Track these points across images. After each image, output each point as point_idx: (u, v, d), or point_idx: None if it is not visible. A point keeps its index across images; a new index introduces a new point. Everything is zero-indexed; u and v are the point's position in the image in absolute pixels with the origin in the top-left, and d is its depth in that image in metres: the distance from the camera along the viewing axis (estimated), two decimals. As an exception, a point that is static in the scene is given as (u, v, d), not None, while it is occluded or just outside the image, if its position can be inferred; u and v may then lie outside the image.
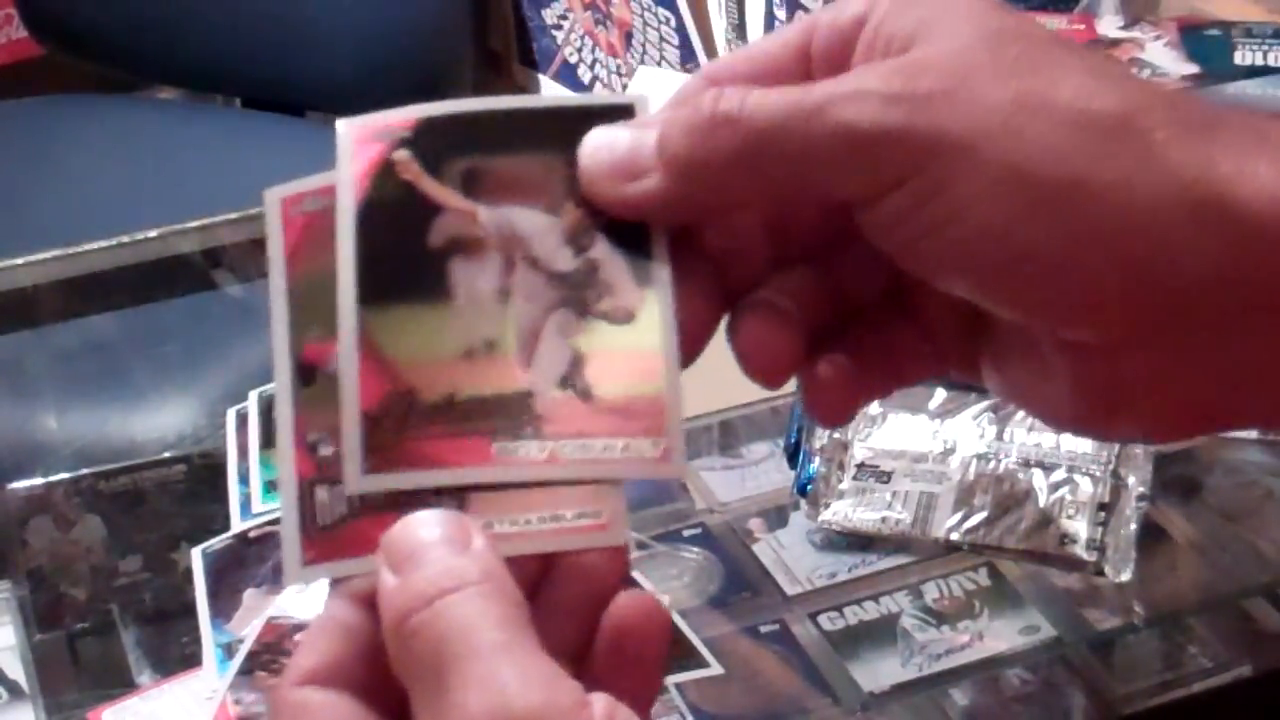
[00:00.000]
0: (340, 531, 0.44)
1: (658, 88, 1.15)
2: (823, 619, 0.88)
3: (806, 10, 1.47)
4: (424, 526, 0.43)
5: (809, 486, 0.92)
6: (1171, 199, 0.42)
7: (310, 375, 0.45)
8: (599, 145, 0.46)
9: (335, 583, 0.44)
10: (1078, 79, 0.43)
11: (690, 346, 0.46)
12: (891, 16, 0.46)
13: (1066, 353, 0.45)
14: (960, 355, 0.50)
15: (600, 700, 0.40)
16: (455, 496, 0.44)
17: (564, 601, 0.45)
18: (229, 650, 0.78)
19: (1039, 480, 0.89)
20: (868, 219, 0.45)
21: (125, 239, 1.09)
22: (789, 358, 0.48)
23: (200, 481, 0.91)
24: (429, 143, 0.47)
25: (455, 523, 0.43)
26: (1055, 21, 0.99)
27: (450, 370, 0.44)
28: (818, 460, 0.92)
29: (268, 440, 0.85)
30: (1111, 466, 0.89)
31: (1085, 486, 0.89)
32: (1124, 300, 0.43)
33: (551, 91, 1.89)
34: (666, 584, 0.88)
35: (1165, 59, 0.94)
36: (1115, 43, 0.97)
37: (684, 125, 0.45)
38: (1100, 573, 0.87)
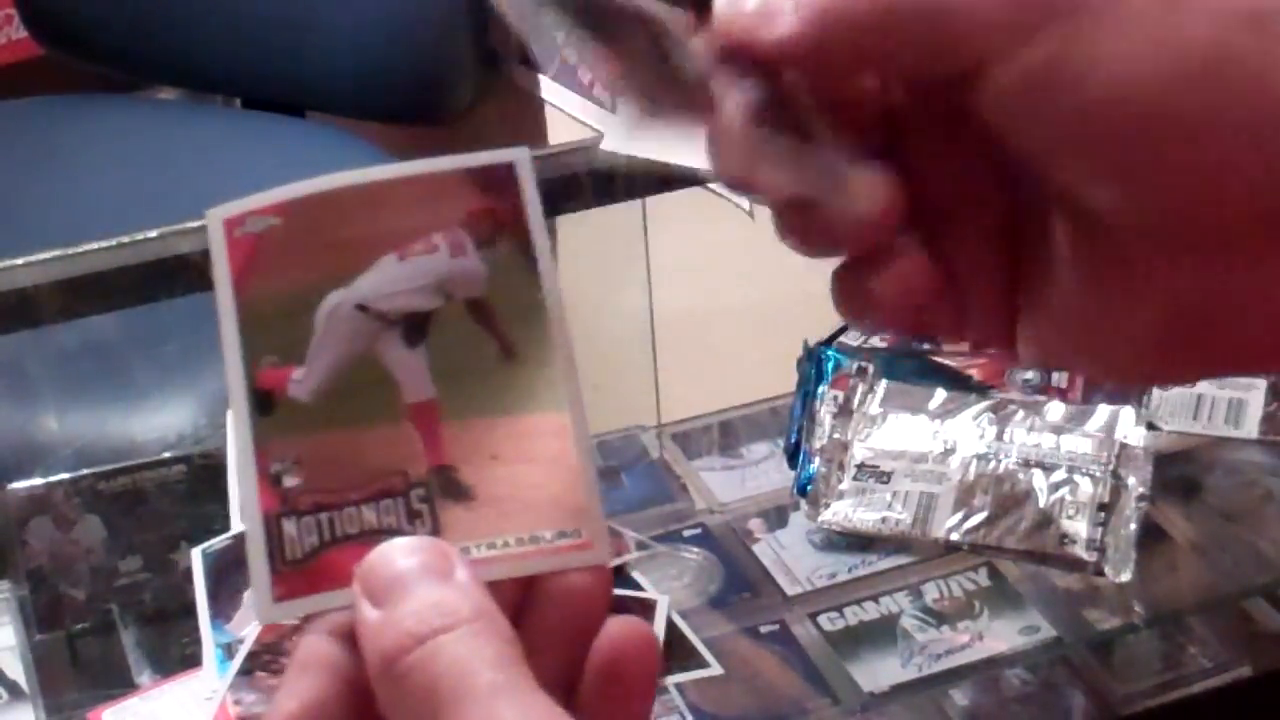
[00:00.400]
0: (311, 565, 0.43)
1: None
2: (823, 619, 0.88)
3: (806, 10, 1.47)
4: (402, 555, 0.42)
5: (809, 487, 0.92)
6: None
7: (268, 403, 0.44)
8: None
9: (309, 618, 0.43)
10: None
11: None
12: None
13: (1166, 263, 0.43)
14: (992, 307, 0.47)
15: None
16: (428, 522, 0.43)
17: (548, 627, 0.43)
18: (229, 650, 0.78)
19: (1039, 480, 0.89)
20: (996, 80, 0.42)
21: (125, 239, 1.09)
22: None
23: (200, 481, 0.91)
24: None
25: (434, 550, 0.42)
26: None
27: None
28: (818, 460, 0.92)
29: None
30: (1111, 467, 0.89)
31: (1085, 487, 0.89)
32: (1250, 198, 0.40)
33: (552, 91, 1.89)
34: (666, 584, 0.88)
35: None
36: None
37: None
38: (1100, 573, 0.87)
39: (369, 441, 0.44)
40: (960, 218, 0.47)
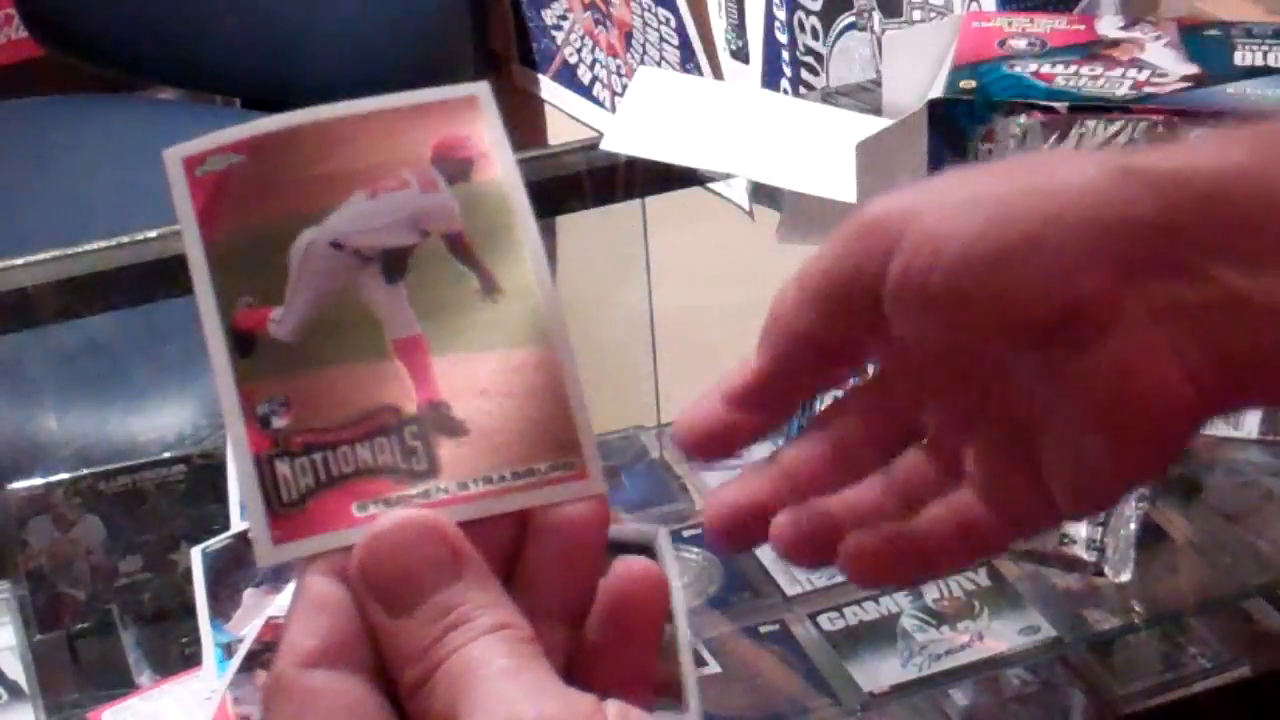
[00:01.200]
0: (308, 506, 0.42)
1: (657, 88, 1.15)
2: (823, 619, 0.88)
3: (806, 11, 1.47)
4: (407, 551, 0.41)
5: (809, 486, 0.92)
6: (1097, 175, 0.48)
7: (249, 344, 0.43)
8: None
9: (314, 560, 0.42)
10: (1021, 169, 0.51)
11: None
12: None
13: (1056, 361, 0.48)
14: (1025, 490, 0.51)
15: (613, 706, 0.40)
16: (424, 459, 0.42)
17: (547, 559, 0.44)
18: (229, 650, 0.78)
19: (1039, 480, 0.89)
20: (887, 293, 0.49)
21: (125, 239, 1.09)
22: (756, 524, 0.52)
23: (200, 481, 0.91)
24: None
25: (439, 540, 0.42)
26: (1055, 22, 0.99)
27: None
28: (818, 460, 0.92)
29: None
30: (1111, 466, 0.89)
31: (1085, 486, 0.89)
32: (1089, 261, 0.47)
33: (552, 92, 1.89)
34: (666, 584, 0.88)
35: (1165, 59, 0.94)
36: (1115, 43, 0.96)
37: None
38: (1100, 573, 0.87)
39: (357, 378, 0.43)
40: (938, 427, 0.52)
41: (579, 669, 0.43)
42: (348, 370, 0.43)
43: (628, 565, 0.44)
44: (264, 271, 0.43)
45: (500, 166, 0.45)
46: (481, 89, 0.46)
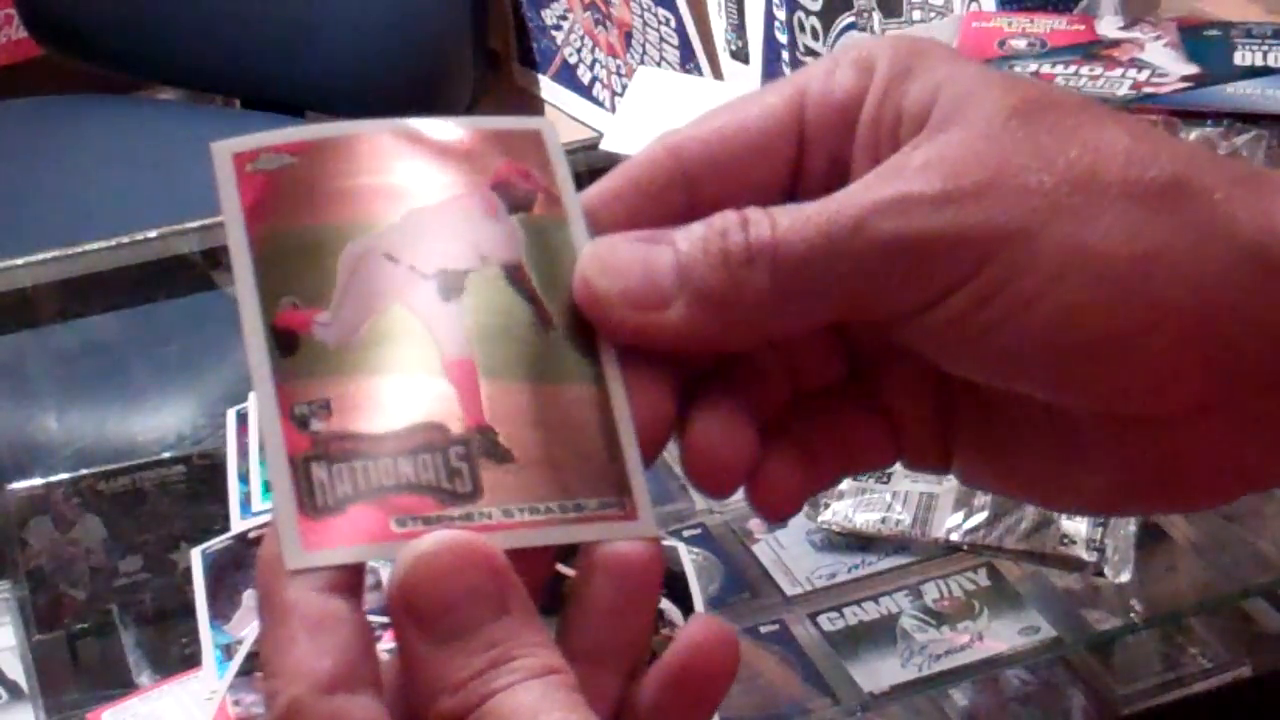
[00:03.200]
0: (345, 513, 0.39)
1: (657, 88, 1.15)
2: (823, 619, 0.88)
3: (806, 11, 1.47)
4: (452, 577, 0.39)
5: (809, 487, 0.92)
6: (1240, 264, 0.41)
7: (292, 343, 0.41)
8: (605, 265, 0.43)
9: (301, 573, 0.39)
10: (1121, 146, 0.41)
11: (649, 448, 0.43)
12: (894, 90, 0.43)
13: (1118, 434, 0.43)
14: (928, 444, 0.47)
15: None
16: (467, 482, 0.40)
17: (600, 599, 0.41)
18: (228, 651, 0.78)
19: (1039, 480, 0.89)
20: (916, 327, 0.42)
21: (125, 239, 1.09)
22: (743, 468, 0.44)
23: (200, 481, 0.91)
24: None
25: (486, 568, 0.39)
26: (1055, 22, 0.99)
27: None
28: (818, 460, 0.92)
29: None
30: (1111, 467, 0.89)
31: (1085, 487, 0.89)
32: (1204, 369, 0.41)
33: (552, 92, 1.89)
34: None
35: (1165, 59, 0.94)
36: (1115, 43, 0.96)
37: (710, 254, 0.42)
38: (1100, 573, 0.87)
39: (404, 390, 0.41)
40: (888, 367, 0.46)
41: None
42: (395, 381, 0.41)
43: (705, 624, 0.41)
44: (310, 274, 0.41)
45: (565, 201, 0.44)
46: (545, 124, 0.45)
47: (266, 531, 0.40)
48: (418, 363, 0.41)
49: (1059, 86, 0.42)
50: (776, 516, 0.46)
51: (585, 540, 0.41)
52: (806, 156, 0.44)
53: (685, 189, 0.44)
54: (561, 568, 0.44)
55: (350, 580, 0.39)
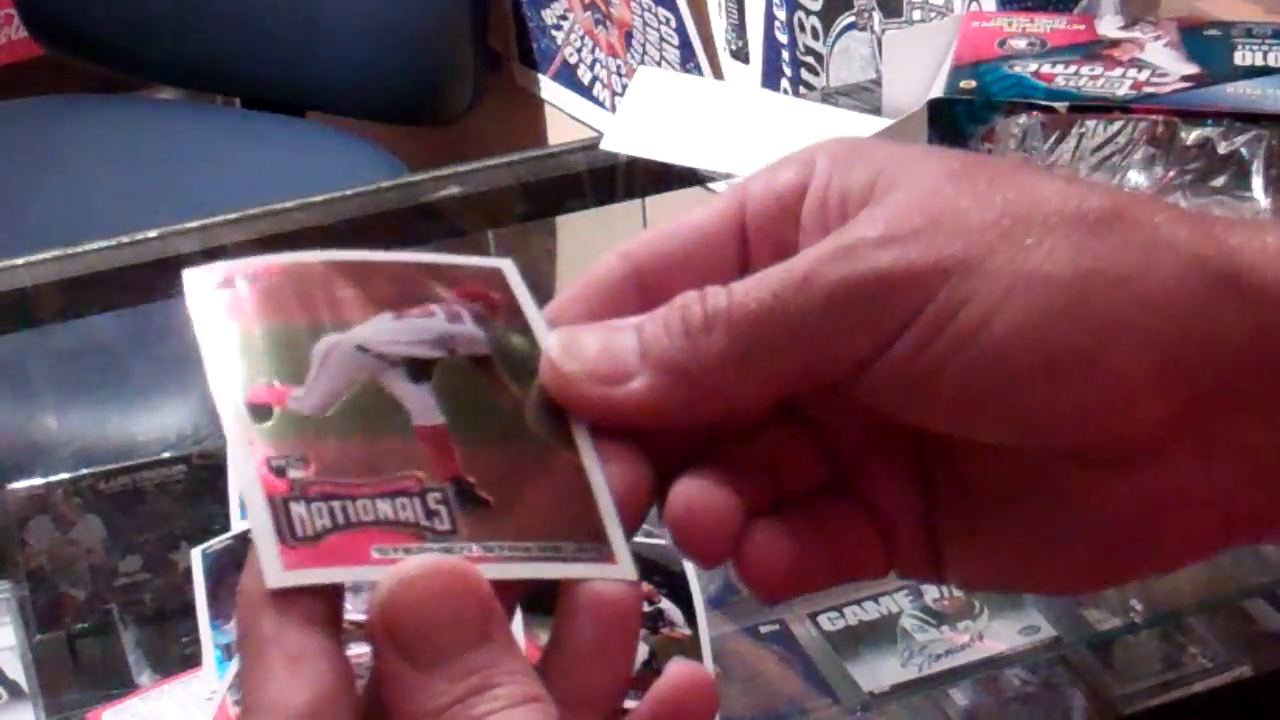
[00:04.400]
0: (324, 541, 0.40)
1: (657, 88, 1.15)
2: (823, 619, 0.88)
3: (806, 11, 1.47)
4: (435, 601, 0.39)
5: (809, 486, 0.92)
6: (1186, 275, 0.41)
7: (265, 413, 0.42)
8: (569, 348, 0.43)
9: (280, 602, 0.39)
10: (1057, 187, 0.42)
11: (630, 512, 0.43)
12: (838, 175, 0.44)
13: (1094, 485, 0.43)
14: (917, 546, 0.46)
15: None
16: (446, 521, 0.41)
17: (579, 640, 0.40)
18: (228, 651, 0.78)
19: (1039, 480, 0.89)
20: (873, 378, 0.42)
21: (125, 239, 1.09)
22: (726, 530, 0.44)
23: (200, 481, 0.91)
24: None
25: (469, 593, 0.39)
26: (1055, 21, 0.99)
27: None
28: (818, 460, 0.92)
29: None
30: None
31: (1085, 486, 0.89)
32: (1155, 384, 0.41)
33: (551, 92, 1.89)
34: (666, 584, 0.89)
35: (1165, 59, 0.94)
36: (1115, 43, 0.96)
37: (671, 327, 0.43)
38: (1100, 573, 0.87)
39: (379, 449, 0.42)
40: (869, 462, 0.46)
41: None
42: (370, 440, 0.42)
43: (682, 670, 0.41)
44: (285, 362, 0.43)
45: (528, 315, 0.45)
46: (506, 264, 0.47)
47: (246, 565, 0.40)
48: (391, 427, 0.42)
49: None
50: (768, 593, 0.46)
51: (564, 577, 0.41)
52: (752, 247, 0.45)
53: (639, 289, 0.45)
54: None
55: (329, 612, 0.39)
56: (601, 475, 0.43)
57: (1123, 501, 0.43)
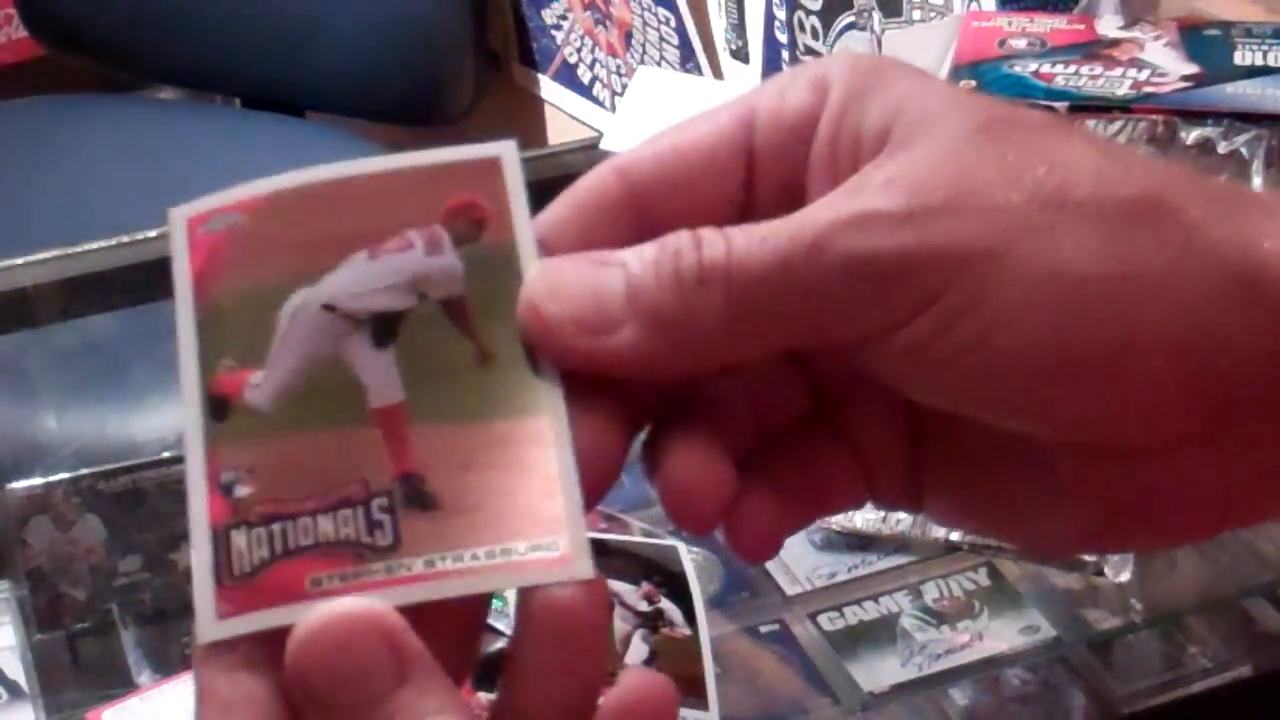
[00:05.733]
0: (259, 578, 0.39)
1: (657, 88, 1.15)
2: (823, 619, 0.88)
3: (806, 11, 1.47)
4: (342, 653, 0.37)
5: (809, 486, 0.92)
6: (1219, 284, 0.39)
7: (223, 409, 0.41)
8: (552, 289, 0.41)
9: (215, 649, 0.38)
10: (1091, 164, 0.39)
11: (596, 484, 0.40)
12: (852, 109, 0.41)
13: (1096, 467, 0.41)
14: (897, 481, 0.45)
15: None
16: (389, 534, 0.39)
17: (538, 654, 0.38)
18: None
19: (1039, 480, 0.89)
20: (879, 353, 0.40)
21: (125, 239, 1.09)
22: (722, 504, 0.42)
23: (200, 481, 0.91)
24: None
25: (378, 637, 0.37)
26: (1055, 21, 0.99)
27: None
28: (818, 460, 0.92)
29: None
30: (1111, 466, 0.89)
31: (1085, 486, 0.89)
32: (1182, 396, 0.39)
33: (551, 91, 1.89)
34: (666, 584, 0.89)
35: (1165, 59, 0.94)
36: (1115, 42, 0.96)
37: (660, 275, 0.40)
38: (1100, 573, 0.87)
39: (329, 447, 0.41)
40: (856, 402, 0.44)
41: None
42: (320, 437, 0.41)
43: (637, 678, 0.39)
44: (251, 333, 0.41)
45: (516, 227, 0.43)
46: (507, 149, 0.44)
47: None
48: (344, 416, 0.41)
49: (1024, 105, 0.38)
50: (755, 558, 0.44)
51: (512, 586, 0.39)
52: (758, 177, 0.43)
53: (635, 210, 0.42)
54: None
55: (266, 653, 0.38)
56: (569, 448, 0.40)
57: (1122, 487, 0.41)
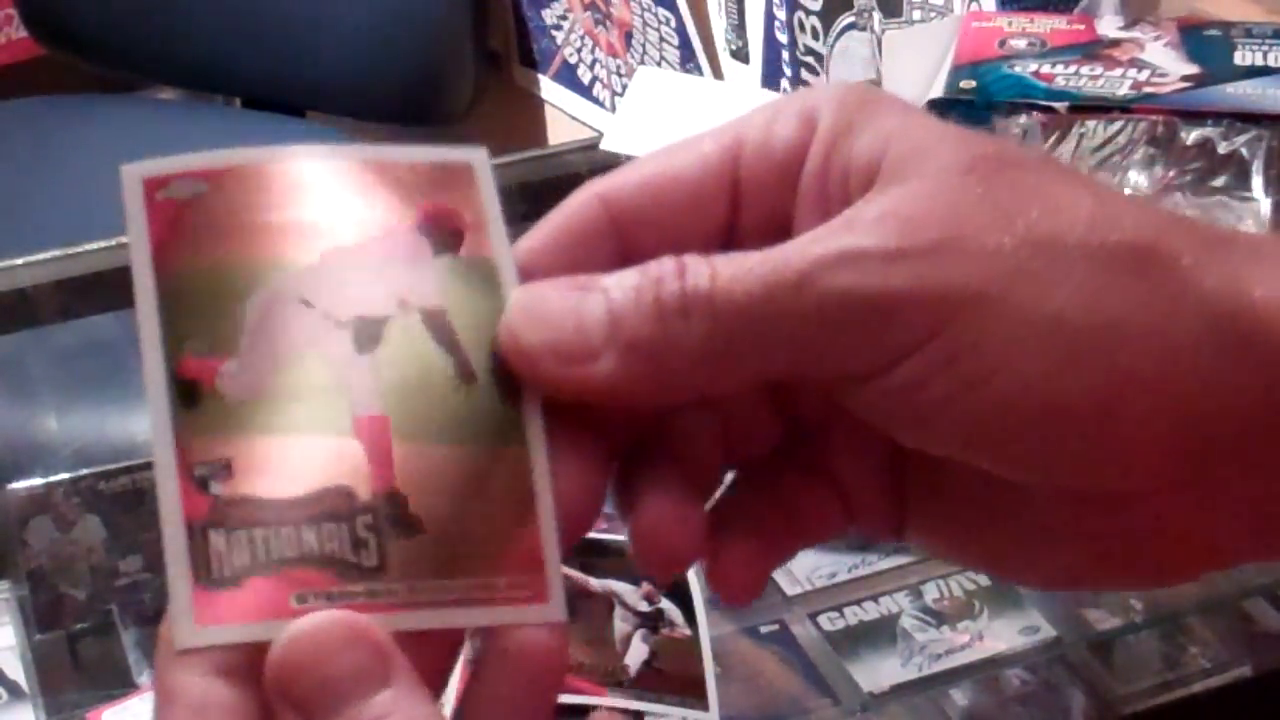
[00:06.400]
0: (243, 586, 0.37)
1: (657, 88, 1.15)
2: (823, 619, 0.88)
3: (806, 11, 1.47)
4: (329, 656, 0.36)
5: (809, 486, 0.92)
6: (1210, 334, 0.38)
7: (192, 395, 0.39)
8: (532, 316, 0.40)
9: (188, 654, 0.37)
10: (1085, 207, 0.39)
11: (576, 527, 0.40)
12: (841, 142, 0.41)
13: (1082, 511, 0.41)
14: (878, 511, 0.44)
15: None
16: (373, 555, 0.38)
17: (499, 686, 0.38)
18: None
19: (1039, 480, 0.89)
20: (865, 394, 0.39)
21: (125, 239, 1.09)
22: (693, 552, 0.42)
23: (200, 481, 0.91)
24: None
25: (363, 644, 0.37)
26: (1055, 21, 0.99)
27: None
28: (818, 460, 0.92)
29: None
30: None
31: (1085, 486, 0.89)
32: (1170, 442, 0.39)
33: (551, 91, 1.89)
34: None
35: (1165, 59, 0.94)
36: (1115, 43, 0.96)
37: (642, 304, 0.39)
38: (1100, 573, 0.87)
39: (311, 451, 0.39)
40: (835, 435, 0.44)
41: None
42: (302, 441, 0.39)
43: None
44: (219, 318, 0.39)
45: (493, 243, 0.41)
46: (478, 156, 0.42)
47: (168, 608, 0.38)
48: (327, 421, 0.39)
49: (1017, 143, 0.38)
50: (740, 602, 0.44)
51: (491, 624, 0.39)
52: (743, 208, 0.42)
53: (618, 238, 0.42)
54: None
55: (244, 661, 0.37)
56: (549, 487, 0.40)
57: (1107, 529, 0.41)
